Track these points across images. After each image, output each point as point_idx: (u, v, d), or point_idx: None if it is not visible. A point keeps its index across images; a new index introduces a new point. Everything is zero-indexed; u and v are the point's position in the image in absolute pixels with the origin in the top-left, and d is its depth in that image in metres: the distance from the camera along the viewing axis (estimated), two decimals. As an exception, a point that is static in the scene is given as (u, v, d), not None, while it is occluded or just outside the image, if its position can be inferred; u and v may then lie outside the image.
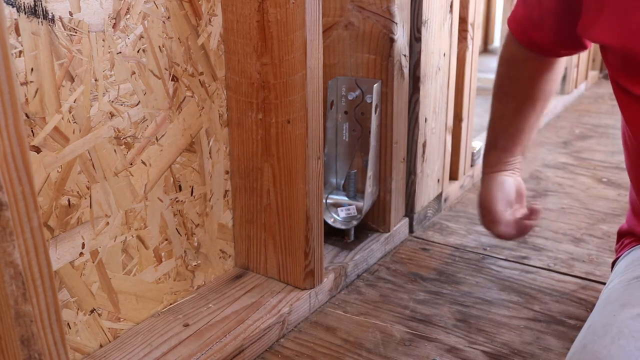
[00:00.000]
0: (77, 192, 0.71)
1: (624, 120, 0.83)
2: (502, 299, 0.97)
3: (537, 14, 0.90)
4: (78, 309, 0.74)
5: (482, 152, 1.08)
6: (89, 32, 0.69)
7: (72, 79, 0.68)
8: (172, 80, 0.81)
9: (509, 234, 1.02)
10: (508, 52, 1.01)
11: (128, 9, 0.73)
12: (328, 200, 1.08)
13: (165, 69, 0.79)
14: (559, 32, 0.89)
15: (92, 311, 0.76)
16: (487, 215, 1.02)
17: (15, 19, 0.62)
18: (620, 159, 1.63)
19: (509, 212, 1.01)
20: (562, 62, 1.01)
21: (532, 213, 0.99)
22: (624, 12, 0.72)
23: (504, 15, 2.54)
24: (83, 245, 0.73)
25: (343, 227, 1.07)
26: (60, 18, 0.66)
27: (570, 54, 0.99)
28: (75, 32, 0.68)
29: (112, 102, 0.73)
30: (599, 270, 1.05)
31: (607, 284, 0.81)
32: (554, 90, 1.02)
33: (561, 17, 0.86)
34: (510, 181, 1.04)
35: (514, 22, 0.96)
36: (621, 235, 0.90)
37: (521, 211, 1.02)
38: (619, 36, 0.73)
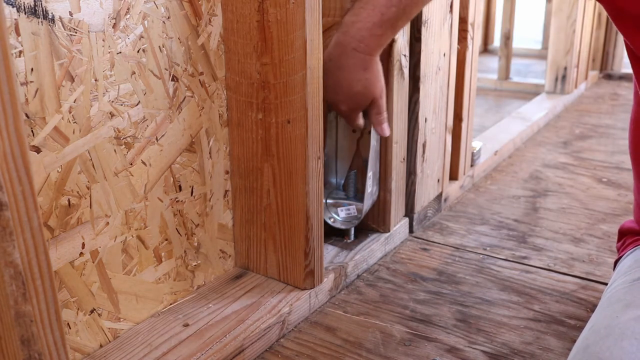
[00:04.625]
0: (77, 192, 0.71)
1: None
2: (502, 299, 0.97)
3: None
4: (78, 309, 0.74)
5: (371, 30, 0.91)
6: (89, 32, 0.69)
7: (72, 79, 0.68)
8: (172, 80, 0.81)
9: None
10: None
11: (128, 9, 0.73)
12: (328, 200, 1.08)
13: (165, 69, 0.79)
14: None
15: (92, 311, 0.76)
16: (373, 106, 0.96)
17: (15, 19, 0.62)
18: (620, 159, 1.63)
19: None
20: None
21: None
22: None
23: (504, 15, 2.54)
24: (83, 245, 0.73)
25: (343, 227, 1.07)
26: (60, 18, 0.66)
27: None
28: (75, 32, 0.68)
29: (112, 102, 0.73)
30: (599, 270, 1.05)
31: (609, 284, 0.81)
32: None
33: None
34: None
35: None
36: (623, 233, 0.89)
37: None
38: None
